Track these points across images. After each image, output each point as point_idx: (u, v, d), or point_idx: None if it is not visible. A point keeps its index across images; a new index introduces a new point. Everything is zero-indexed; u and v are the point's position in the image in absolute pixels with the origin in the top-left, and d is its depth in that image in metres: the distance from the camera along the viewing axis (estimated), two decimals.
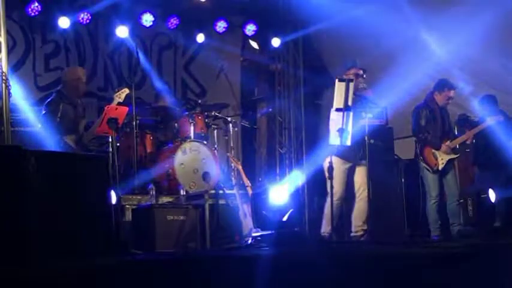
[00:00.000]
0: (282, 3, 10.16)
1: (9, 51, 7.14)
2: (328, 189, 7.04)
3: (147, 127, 8.54)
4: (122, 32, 9.32)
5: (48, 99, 7.67)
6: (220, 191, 7.31)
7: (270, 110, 10.47)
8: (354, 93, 7.07)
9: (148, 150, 8.32)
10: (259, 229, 6.98)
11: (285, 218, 7.26)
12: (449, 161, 7.85)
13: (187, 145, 7.99)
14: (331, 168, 6.83)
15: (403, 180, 8.46)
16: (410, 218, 8.27)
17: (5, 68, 5.71)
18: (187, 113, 8.60)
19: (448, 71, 8.82)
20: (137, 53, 7.95)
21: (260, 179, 10.10)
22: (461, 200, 8.22)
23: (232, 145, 8.88)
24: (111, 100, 7.83)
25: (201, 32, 10.11)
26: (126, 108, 7.43)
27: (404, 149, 8.90)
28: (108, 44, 9.69)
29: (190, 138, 8.16)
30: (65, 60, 9.32)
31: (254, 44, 10.64)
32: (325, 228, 7.14)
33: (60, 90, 7.70)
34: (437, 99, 7.93)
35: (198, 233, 6.84)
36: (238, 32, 10.55)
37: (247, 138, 10.70)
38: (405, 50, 8.77)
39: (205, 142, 8.22)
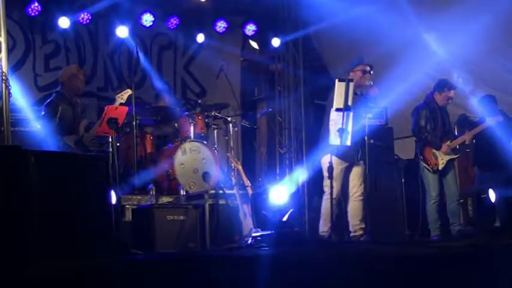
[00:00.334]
0: (282, 3, 10.17)
1: (9, 51, 7.13)
2: (325, 189, 7.04)
3: (147, 127, 8.54)
4: (122, 32, 9.32)
5: (48, 100, 7.67)
6: (220, 191, 7.32)
7: (270, 110, 10.47)
8: (359, 91, 7.07)
9: (148, 150, 8.33)
10: (259, 229, 6.98)
11: (285, 218, 7.25)
12: (450, 161, 7.85)
13: (187, 145, 8.00)
14: (331, 168, 6.82)
15: (403, 180, 8.46)
16: (410, 218, 8.27)
17: (5, 68, 5.70)
18: (187, 113, 8.60)
19: (448, 71, 8.82)
20: (137, 53, 7.96)
21: (260, 179, 10.10)
22: (461, 200, 8.22)
23: (232, 145, 8.89)
24: (111, 100, 7.83)
25: (201, 32, 10.12)
26: (126, 108, 7.44)
27: (404, 149, 8.90)
28: (108, 44, 9.69)
29: (190, 138, 8.16)
30: (65, 60, 9.32)
31: (254, 44, 10.65)
32: (323, 227, 7.14)
33: (59, 91, 7.70)
34: (437, 99, 7.94)
35: (198, 233, 6.85)
36: (238, 32, 10.56)
37: (247, 138, 10.70)
38: (405, 50, 8.77)
39: (205, 142, 8.23)
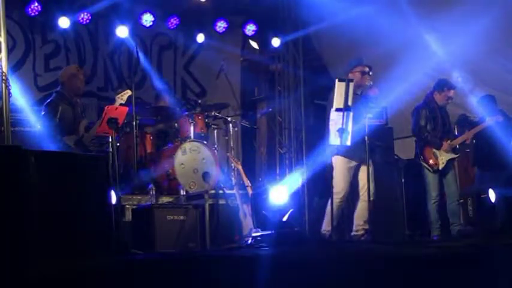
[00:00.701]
0: (282, 3, 10.16)
1: (9, 51, 7.13)
2: (333, 189, 7.04)
3: (147, 127, 8.54)
4: (122, 32, 9.32)
5: (48, 100, 7.67)
6: (220, 191, 7.31)
7: (270, 110, 10.47)
8: (360, 92, 7.07)
9: (148, 150, 8.33)
10: (259, 229, 6.98)
11: (285, 218, 7.25)
12: (450, 161, 7.85)
13: (187, 145, 8.00)
14: (331, 168, 6.83)
15: (403, 180, 8.46)
16: (410, 218, 8.27)
17: (5, 68, 5.70)
18: (187, 113, 8.60)
19: (448, 71, 8.82)
20: (137, 53, 7.96)
21: (260, 179, 10.10)
22: (461, 200, 8.22)
23: (232, 145, 8.89)
24: (111, 100, 7.83)
25: (201, 32, 10.12)
26: (126, 108, 7.43)
27: (404, 149, 8.90)
28: (108, 44, 9.69)
29: (190, 138, 8.17)
30: (65, 60, 9.31)
31: (254, 44, 10.65)
32: (326, 226, 7.13)
33: (59, 91, 7.70)
34: (437, 99, 7.94)
35: (198, 233, 6.85)
36: (238, 32, 10.55)
37: (247, 138, 10.70)
38: (405, 50, 8.76)
39: (205, 142, 8.23)
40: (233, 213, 7.17)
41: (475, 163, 8.86)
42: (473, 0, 8.49)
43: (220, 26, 10.19)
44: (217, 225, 7.04)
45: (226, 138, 8.95)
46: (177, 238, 6.69)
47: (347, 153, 7.00)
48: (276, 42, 10.36)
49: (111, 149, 7.18)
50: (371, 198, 7.02)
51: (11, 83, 5.70)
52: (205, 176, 7.79)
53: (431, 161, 7.80)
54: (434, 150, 7.84)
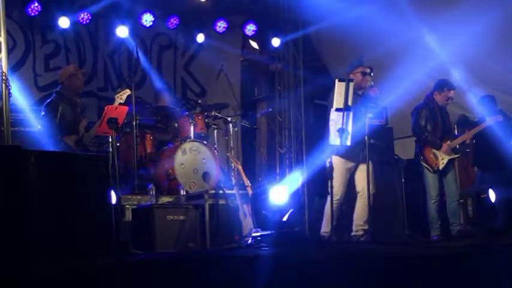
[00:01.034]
0: (282, 3, 10.16)
1: (9, 51, 7.13)
2: (329, 189, 7.03)
3: (147, 127, 8.54)
4: (122, 32, 9.32)
5: (48, 100, 7.67)
6: (220, 191, 7.32)
7: (270, 110, 10.47)
8: (360, 92, 7.07)
9: (148, 150, 8.33)
10: (259, 229, 6.98)
11: (285, 218, 7.25)
12: (450, 161, 7.85)
13: (187, 145, 8.00)
14: (330, 168, 6.83)
15: (403, 180, 8.45)
16: (410, 218, 8.27)
17: (5, 68, 5.70)
18: (187, 113, 8.60)
19: (448, 71, 8.82)
20: (137, 53, 7.96)
21: (260, 179, 10.10)
22: (461, 200, 8.22)
23: (232, 145, 8.89)
24: (111, 100, 7.83)
25: (201, 32, 10.11)
26: (126, 108, 7.43)
27: (404, 149, 8.90)
28: (108, 44, 9.69)
29: (190, 138, 8.17)
30: (65, 60, 9.31)
31: (254, 44, 10.64)
32: (325, 228, 7.14)
33: (59, 91, 7.69)
34: (437, 99, 7.94)
35: (198, 233, 6.85)
36: (238, 32, 10.55)
37: (247, 138, 10.70)
38: (405, 50, 8.76)
39: (205, 142, 8.23)
40: (233, 213, 7.17)
41: (475, 163, 8.85)
42: (474, 0, 8.49)
43: (220, 26, 10.19)
44: (217, 225, 7.04)
45: (226, 138, 8.95)
46: (177, 238, 6.69)
47: (345, 154, 7.00)
48: (276, 42, 10.36)
49: (111, 149, 7.18)
50: (372, 198, 7.02)
51: (11, 83, 5.70)
52: (205, 176, 7.79)
53: (431, 161, 7.80)
54: (434, 150, 7.84)
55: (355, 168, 7.15)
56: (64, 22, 8.98)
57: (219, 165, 8.25)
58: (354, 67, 7.22)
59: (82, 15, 9.12)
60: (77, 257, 4.49)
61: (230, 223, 7.11)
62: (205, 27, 10.18)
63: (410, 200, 8.32)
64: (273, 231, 6.73)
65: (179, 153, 7.90)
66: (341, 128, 6.51)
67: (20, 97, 7.33)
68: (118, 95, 7.57)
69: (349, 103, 6.53)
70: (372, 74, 7.18)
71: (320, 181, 8.23)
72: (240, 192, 7.33)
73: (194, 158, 7.99)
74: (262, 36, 10.56)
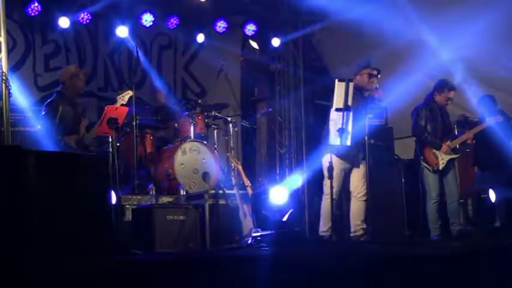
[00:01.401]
0: (282, 3, 10.16)
1: (9, 51, 7.13)
2: (325, 189, 7.03)
3: (147, 127, 8.54)
4: (122, 32, 9.31)
5: (48, 100, 7.66)
6: (220, 191, 7.32)
7: (270, 110, 10.47)
8: (366, 94, 7.06)
9: (148, 150, 8.33)
10: (259, 229, 6.98)
11: (285, 218, 7.25)
12: (450, 161, 7.85)
13: (187, 145, 8.01)
14: (331, 168, 6.82)
15: (403, 180, 8.45)
16: (410, 218, 8.27)
17: (5, 68, 5.71)
18: (187, 113, 8.61)
19: (448, 71, 8.82)
20: (137, 53, 7.95)
21: (260, 179, 10.10)
22: (461, 200, 8.22)
23: (232, 145, 8.89)
24: (111, 100, 7.83)
25: (201, 32, 10.11)
26: (126, 108, 7.43)
27: (404, 149, 8.90)
28: (108, 44, 9.68)
29: (190, 138, 8.17)
30: (65, 60, 9.30)
31: (254, 44, 10.64)
32: (323, 227, 7.13)
33: (60, 91, 7.68)
34: (437, 100, 7.94)
35: (198, 233, 6.85)
36: (238, 32, 10.55)
37: (247, 138, 10.70)
38: (405, 50, 8.77)
39: (205, 142, 8.23)
40: (233, 213, 7.17)
41: (475, 163, 8.86)
42: (474, 0, 8.49)
43: (220, 26, 10.18)
44: (217, 225, 7.04)
45: (226, 138, 8.95)
46: (177, 238, 6.69)
47: (342, 154, 6.99)
48: (276, 42, 10.36)
49: (111, 149, 7.18)
50: (365, 199, 7.02)
51: (11, 83, 5.70)
52: (205, 176, 7.80)
53: (431, 161, 7.80)
54: (434, 150, 7.84)
55: (351, 169, 7.14)
56: (64, 22, 8.97)
57: (219, 165, 8.25)
58: (361, 68, 7.19)
59: (82, 15, 9.11)
60: (77, 257, 4.49)
61: (230, 223, 7.11)
62: (205, 27, 10.18)
63: (410, 200, 8.32)
64: (273, 231, 6.73)
65: (179, 153, 7.91)
66: (341, 128, 6.51)
67: (20, 97, 7.33)
68: (120, 96, 7.57)
69: (349, 103, 6.53)
70: (378, 76, 7.15)
71: (320, 181, 8.24)
72: (240, 192, 7.33)
73: (194, 158, 7.99)
74: (262, 36, 10.56)
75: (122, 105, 7.46)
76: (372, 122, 6.99)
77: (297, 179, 8.93)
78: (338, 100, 6.54)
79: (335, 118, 6.56)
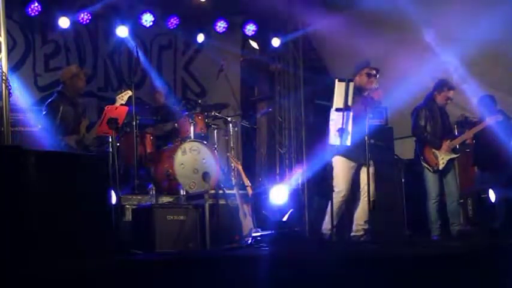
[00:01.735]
0: (282, 3, 10.15)
1: (9, 51, 7.14)
2: (334, 188, 7.05)
3: (147, 127, 8.54)
4: (122, 32, 9.32)
5: (49, 100, 7.66)
6: (220, 191, 7.31)
7: (270, 110, 10.46)
8: (365, 93, 7.06)
9: (148, 150, 8.33)
10: (259, 229, 6.98)
11: (285, 218, 7.25)
12: (450, 161, 7.85)
13: (187, 145, 8.01)
14: (331, 168, 6.84)
15: (403, 180, 8.45)
16: (410, 218, 8.27)
17: (5, 68, 5.71)
18: (187, 113, 8.61)
19: (448, 71, 8.82)
20: (137, 53, 7.95)
21: (260, 179, 10.10)
22: (461, 200, 8.21)
23: (232, 145, 8.89)
24: (111, 100, 7.82)
25: (201, 32, 10.11)
26: (126, 108, 7.43)
27: (404, 149, 8.90)
28: (108, 44, 9.69)
29: (190, 138, 8.17)
30: (65, 60, 9.31)
31: (254, 44, 10.64)
32: (327, 225, 7.12)
33: (60, 90, 7.68)
34: (437, 100, 7.94)
35: (198, 233, 6.85)
36: (238, 32, 10.55)
37: (247, 138, 10.70)
38: (405, 50, 8.76)
39: (205, 142, 8.23)
40: (233, 213, 7.17)
41: (475, 163, 8.85)
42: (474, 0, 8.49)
43: (220, 26, 10.18)
44: (217, 225, 7.04)
45: (226, 138, 8.95)
46: (177, 238, 6.69)
47: (347, 153, 7.00)
48: (276, 42, 10.36)
49: (111, 149, 7.18)
50: (372, 199, 7.01)
51: (11, 83, 5.70)
52: (205, 176, 7.80)
53: (431, 161, 7.80)
54: (434, 150, 7.84)
55: (359, 167, 7.13)
56: (64, 22, 8.98)
57: (219, 165, 8.25)
58: (359, 68, 7.19)
59: (82, 15, 9.11)
60: (77, 257, 4.49)
61: (230, 223, 7.11)
62: (205, 27, 10.18)
63: (410, 200, 8.32)
64: (273, 231, 6.73)
65: (179, 153, 7.91)
66: (341, 128, 6.51)
67: (20, 97, 7.33)
68: (119, 96, 7.57)
69: (349, 103, 6.53)
70: (377, 76, 7.15)
71: (320, 181, 8.23)
72: (240, 192, 7.33)
73: (194, 158, 8.00)
74: (262, 36, 10.56)
75: (122, 105, 7.46)
76: (372, 122, 6.98)
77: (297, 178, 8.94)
78: (338, 100, 6.54)
79: (335, 118, 6.57)
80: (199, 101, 9.15)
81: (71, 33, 9.36)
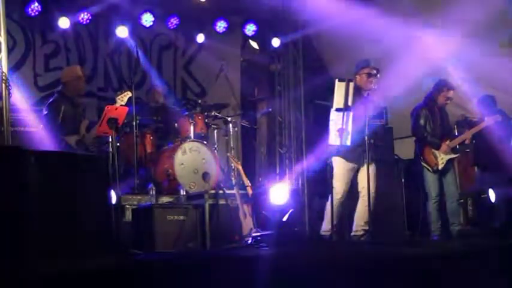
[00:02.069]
0: (282, 3, 10.15)
1: (9, 51, 7.13)
2: (333, 189, 7.05)
3: (147, 127, 8.54)
4: (122, 32, 9.32)
5: (50, 100, 7.66)
6: (220, 191, 7.32)
7: (270, 110, 10.46)
8: (365, 93, 7.06)
9: (148, 150, 8.33)
10: (259, 229, 6.98)
11: (285, 218, 7.26)
12: (449, 161, 7.85)
13: (187, 145, 8.00)
14: (331, 168, 6.84)
15: (403, 180, 8.45)
16: (410, 218, 8.26)
17: (5, 68, 5.71)
18: (187, 113, 8.61)
19: (447, 71, 8.82)
20: (137, 53, 7.95)
21: (260, 179, 10.10)
22: (461, 200, 8.21)
23: (232, 145, 8.89)
24: (111, 100, 7.82)
25: (201, 32, 10.12)
26: (126, 108, 7.43)
27: (404, 149, 8.90)
28: (108, 44, 9.69)
29: (190, 138, 8.17)
30: (65, 60, 9.31)
31: (254, 44, 10.64)
32: (326, 227, 7.13)
33: (61, 90, 7.68)
34: (437, 100, 7.94)
35: (198, 233, 6.85)
36: (238, 32, 10.55)
37: (247, 138, 10.70)
38: (405, 50, 8.76)
39: (205, 142, 8.23)
40: (233, 213, 7.17)
41: (475, 163, 8.86)
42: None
43: (220, 26, 10.19)
44: (217, 225, 7.04)
45: (226, 138, 8.95)
46: (177, 238, 6.69)
47: (346, 154, 7.00)
48: (276, 42, 10.36)
49: (111, 149, 7.18)
50: (371, 199, 7.01)
51: (11, 83, 5.70)
52: (205, 176, 7.80)
53: (431, 161, 7.80)
54: (433, 150, 7.85)
55: (358, 168, 7.14)
56: (64, 22, 8.98)
57: (219, 165, 8.25)
58: (359, 68, 7.19)
59: (82, 15, 9.11)
60: (77, 257, 4.49)
61: (230, 223, 7.12)
62: (205, 27, 10.18)
63: (411, 200, 8.32)
64: (273, 231, 6.73)
65: (179, 153, 7.91)
66: (341, 128, 6.51)
67: (20, 97, 7.32)
68: (119, 96, 7.56)
69: (349, 103, 6.53)
70: (378, 76, 7.14)
71: (320, 181, 8.23)
72: (240, 192, 7.33)
73: (194, 158, 7.99)
74: (262, 36, 10.56)
75: (121, 105, 7.46)
76: (372, 122, 6.98)
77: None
78: (338, 100, 6.54)
79: (335, 118, 6.57)
80: (199, 101, 9.15)
81: (71, 33, 9.35)
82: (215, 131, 8.94)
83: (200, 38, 10.13)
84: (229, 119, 8.94)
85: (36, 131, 7.21)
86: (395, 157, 8.65)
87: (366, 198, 6.99)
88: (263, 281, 4.08)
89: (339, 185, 7.04)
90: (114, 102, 7.50)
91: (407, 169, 8.50)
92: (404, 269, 4.69)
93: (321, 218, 7.36)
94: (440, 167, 7.79)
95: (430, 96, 7.99)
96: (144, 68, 9.34)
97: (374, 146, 7.01)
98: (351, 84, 6.59)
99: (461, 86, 8.65)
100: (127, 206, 7.26)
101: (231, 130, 8.90)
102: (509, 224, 7.86)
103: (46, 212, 4.48)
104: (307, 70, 10.30)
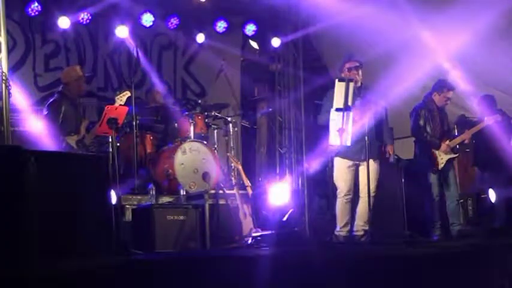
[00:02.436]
0: (282, 3, 10.15)
1: (9, 51, 7.13)
2: (337, 189, 7.07)
3: (147, 127, 8.54)
4: (122, 32, 9.31)
5: (50, 100, 7.66)
6: (220, 191, 7.32)
7: (270, 110, 10.46)
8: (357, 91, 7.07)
9: (148, 150, 8.33)
10: (259, 229, 6.98)
11: (285, 218, 7.26)
12: (449, 161, 7.85)
13: (187, 145, 8.01)
14: (331, 168, 6.85)
15: (403, 180, 8.45)
16: (410, 218, 8.26)
17: (5, 68, 5.71)
18: (187, 113, 8.61)
19: (447, 71, 8.81)
20: (137, 53, 7.95)
21: (260, 179, 10.10)
22: (461, 200, 8.21)
23: (232, 145, 8.89)
24: (111, 100, 7.83)
25: (201, 32, 10.11)
26: (126, 108, 7.43)
27: (404, 149, 8.90)
28: (108, 44, 9.68)
29: (190, 138, 8.17)
30: (65, 60, 9.31)
31: (254, 44, 10.64)
32: (340, 224, 7.12)
33: (61, 91, 7.68)
34: (436, 100, 7.94)
35: (198, 233, 6.85)
36: (238, 32, 10.55)
37: (247, 138, 10.69)
38: (405, 50, 8.76)
39: (205, 142, 8.23)
40: (233, 213, 7.17)
41: (475, 163, 8.86)
42: None
43: (220, 26, 10.18)
44: (217, 225, 7.05)
45: (226, 138, 8.95)
46: (177, 238, 6.69)
47: (344, 153, 7.00)
48: (276, 42, 10.36)
49: (111, 149, 7.18)
50: (371, 198, 7.01)
51: (11, 83, 5.70)
52: (205, 176, 7.80)
53: (430, 161, 7.81)
54: (433, 150, 7.85)
55: (357, 167, 7.13)
56: (64, 22, 8.97)
57: (219, 165, 8.25)
58: (342, 64, 7.23)
59: (82, 15, 9.11)
60: (77, 257, 4.50)
61: (230, 223, 7.12)
62: (205, 27, 10.18)
63: (410, 200, 8.32)
64: (273, 231, 6.73)
65: (179, 153, 7.91)
66: (341, 128, 6.51)
67: (20, 97, 7.32)
68: (118, 96, 7.56)
69: (349, 103, 6.54)
70: (359, 68, 7.13)
71: (320, 181, 8.23)
72: (240, 192, 7.33)
73: (194, 158, 7.99)
74: (262, 36, 10.56)
75: (121, 105, 7.46)
76: (372, 122, 6.98)
77: None
78: (338, 100, 6.54)
79: (335, 118, 6.57)
80: (199, 101, 9.15)
81: (71, 33, 9.35)
82: (215, 131, 8.94)
83: (200, 38, 10.13)
84: (229, 119, 8.94)
85: (36, 131, 7.22)
86: (395, 157, 8.65)
87: (366, 198, 6.99)
88: (263, 281, 4.08)
89: (340, 184, 7.05)
90: (114, 102, 7.51)
91: (407, 169, 8.50)
92: (405, 269, 4.69)
93: (321, 219, 7.37)
94: (440, 167, 7.79)
95: (429, 97, 7.99)
96: (144, 68, 9.33)
97: (374, 146, 7.02)
98: (351, 84, 6.59)
99: (461, 86, 8.64)
100: (127, 206, 7.26)
101: (231, 130, 8.90)
102: (509, 224, 7.86)
103: (46, 212, 4.48)
104: (307, 70, 10.30)
